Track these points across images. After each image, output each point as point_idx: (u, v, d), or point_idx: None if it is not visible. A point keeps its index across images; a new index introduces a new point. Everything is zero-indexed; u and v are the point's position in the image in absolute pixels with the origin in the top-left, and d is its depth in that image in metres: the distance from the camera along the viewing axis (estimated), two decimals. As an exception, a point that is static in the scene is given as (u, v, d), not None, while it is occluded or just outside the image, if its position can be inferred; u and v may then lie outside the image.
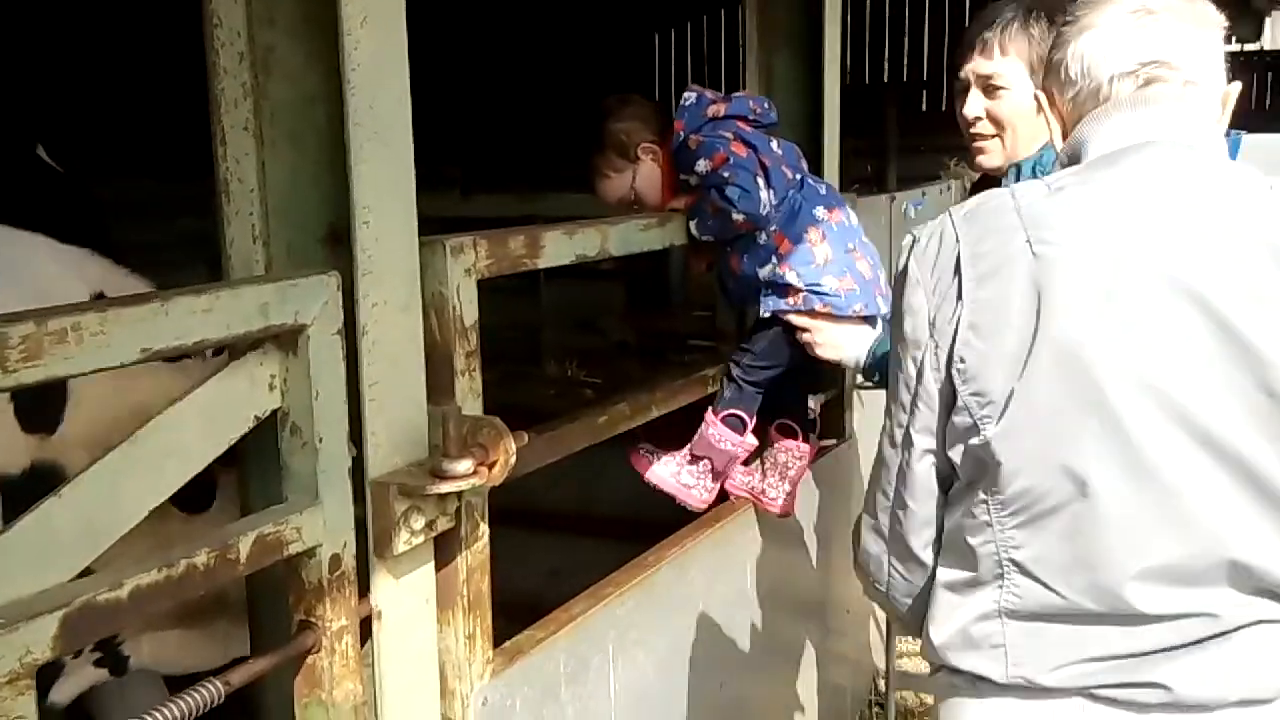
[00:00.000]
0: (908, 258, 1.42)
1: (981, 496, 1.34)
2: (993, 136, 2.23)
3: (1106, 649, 1.30)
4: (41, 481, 2.20)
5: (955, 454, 1.37)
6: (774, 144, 2.43)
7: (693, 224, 2.37)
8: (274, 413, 1.48)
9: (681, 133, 2.38)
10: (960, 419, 1.34)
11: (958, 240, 1.36)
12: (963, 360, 1.33)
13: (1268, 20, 10.68)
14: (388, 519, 1.54)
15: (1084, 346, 1.27)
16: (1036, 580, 1.32)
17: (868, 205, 3.55)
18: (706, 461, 2.48)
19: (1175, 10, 1.42)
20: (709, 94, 2.43)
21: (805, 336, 2.39)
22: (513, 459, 1.63)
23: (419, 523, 1.59)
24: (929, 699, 3.88)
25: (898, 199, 3.97)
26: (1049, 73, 1.50)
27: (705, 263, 2.52)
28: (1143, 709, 1.30)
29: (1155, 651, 1.29)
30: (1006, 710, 1.36)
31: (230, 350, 1.44)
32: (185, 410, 1.35)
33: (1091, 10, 1.45)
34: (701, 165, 2.33)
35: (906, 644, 4.02)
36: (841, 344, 2.38)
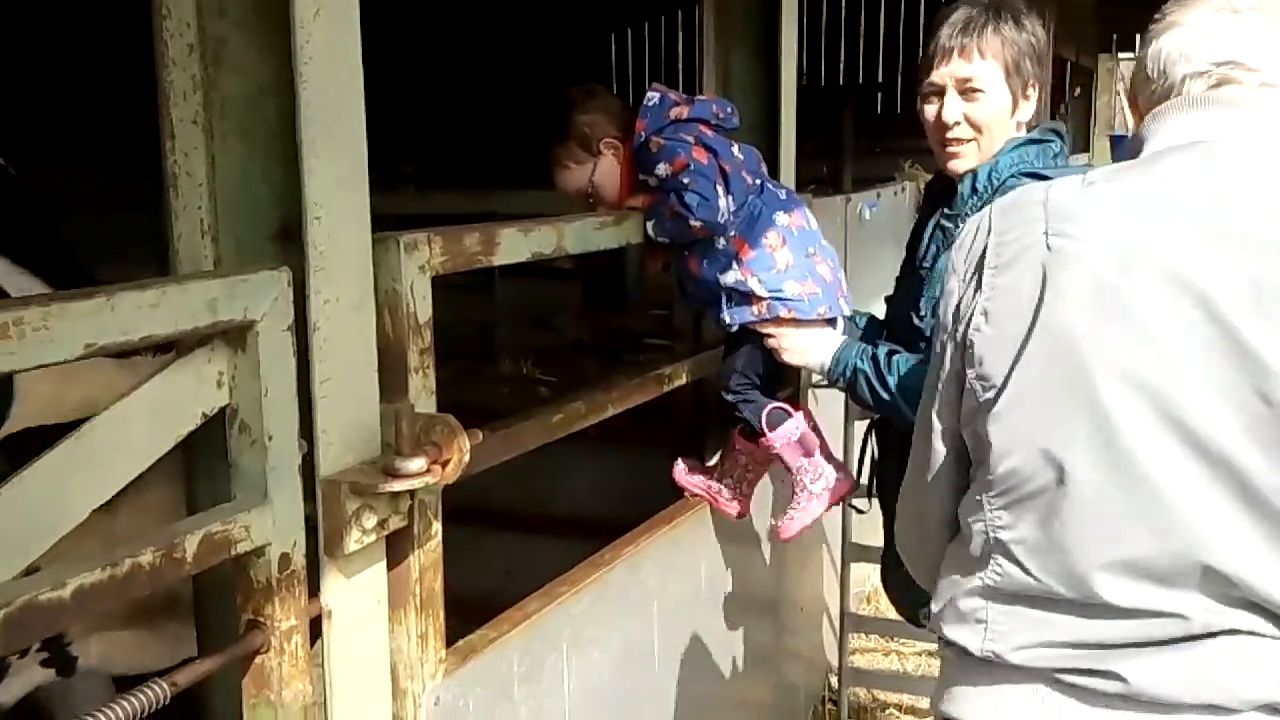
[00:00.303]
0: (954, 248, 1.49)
1: (978, 477, 1.40)
2: (969, 140, 2.24)
3: (1072, 635, 1.32)
4: None
5: (967, 435, 1.43)
6: (735, 149, 2.43)
7: (650, 225, 2.37)
8: (222, 410, 1.46)
9: (643, 133, 2.37)
10: (968, 402, 1.40)
11: (990, 231, 1.41)
12: (971, 344, 1.38)
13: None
14: (339, 518, 1.53)
15: (1078, 338, 1.29)
16: (1015, 561, 1.36)
17: (823, 206, 3.57)
18: (803, 460, 2.51)
19: (1262, 9, 1.40)
20: (672, 95, 2.42)
21: (772, 342, 2.40)
22: (466, 457, 1.62)
23: (370, 521, 1.58)
24: (882, 695, 3.90)
25: (853, 200, 4.00)
26: (1134, 71, 1.51)
27: (661, 263, 2.51)
28: (1099, 698, 1.32)
29: (1120, 645, 1.30)
30: (978, 682, 1.40)
31: (178, 346, 1.42)
32: (132, 407, 1.33)
33: (1179, 9, 1.45)
34: (662, 169, 2.32)
35: (860, 640, 4.05)
36: (807, 348, 2.39)
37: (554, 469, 3.20)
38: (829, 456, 2.55)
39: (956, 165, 2.26)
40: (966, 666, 1.42)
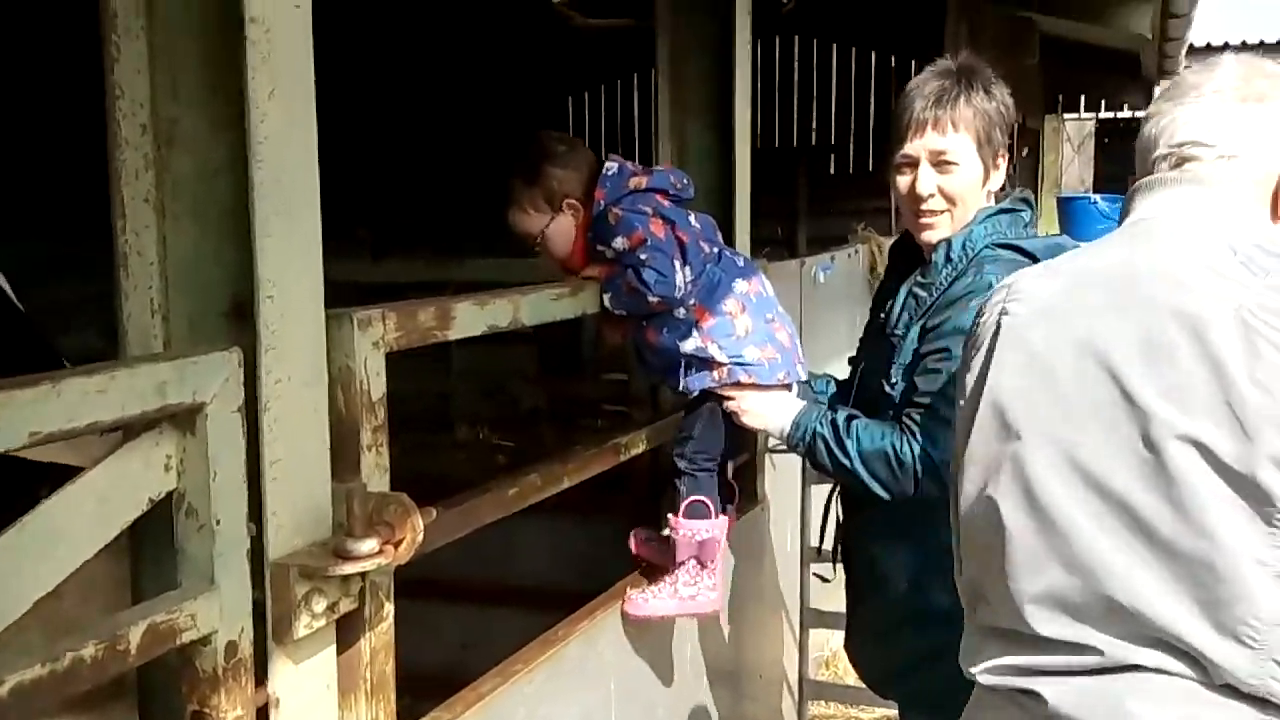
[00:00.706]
0: None
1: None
2: (943, 212, 2.27)
3: (1018, 661, 1.49)
4: None
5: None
6: (692, 218, 2.44)
7: (607, 297, 2.37)
8: (169, 494, 1.43)
9: (602, 202, 2.37)
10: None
11: (979, 313, 1.64)
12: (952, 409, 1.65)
13: (1156, 89, 11.15)
14: (288, 602, 1.49)
15: (1009, 402, 1.50)
16: (978, 593, 1.56)
17: (778, 270, 3.60)
18: (692, 562, 2.45)
19: (1224, 91, 1.55)
20: (630, 166, 2.43)
21: (731, 405, 2.40)
22: (420, 537, 1.60)
23: (320, 605, 1.55)
24: (841, 763, 3.88)
25: (807, 264, 4.04)
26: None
27: (620, 333, 2.50)
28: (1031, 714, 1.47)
29: (1046, 672, 1.45)
30: (975, 701, 1.62)
31: (125, 430, 1.39)
32: (76, 495, 1.30)
33: (1160, 100, 1.62)
34: (619, 242, 2.32)
35: (819, 707, 4.02)
36: (765, 412, 2.39)
37: (509, 537, 3.17)
38: (717, 575, 2.49)
39: (930, 236, 2.29)
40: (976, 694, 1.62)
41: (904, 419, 2.19)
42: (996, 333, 1.54)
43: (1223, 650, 1.33)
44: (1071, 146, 13.80)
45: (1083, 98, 11.82)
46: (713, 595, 2.49)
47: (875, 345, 2.40)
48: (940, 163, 2.25)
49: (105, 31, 1.53)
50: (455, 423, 4.70)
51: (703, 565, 2.46)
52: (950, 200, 2.26)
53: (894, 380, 2.26)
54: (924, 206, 2.27)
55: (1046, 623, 1.45)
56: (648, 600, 2.46)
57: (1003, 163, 2.30)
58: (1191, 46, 8.48)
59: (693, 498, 2.44)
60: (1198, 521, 1.34)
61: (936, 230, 2.28)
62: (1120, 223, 1.60)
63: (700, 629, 2.91)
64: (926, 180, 2.26)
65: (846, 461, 2.23)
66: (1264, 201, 1.53)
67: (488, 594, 3.45)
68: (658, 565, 2.59)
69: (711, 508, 2.46)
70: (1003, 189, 2.36)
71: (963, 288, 2.19)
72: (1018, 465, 1.47)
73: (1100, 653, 1.41)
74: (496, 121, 10.27)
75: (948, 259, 2.24)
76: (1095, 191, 13.45)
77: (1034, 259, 2.12)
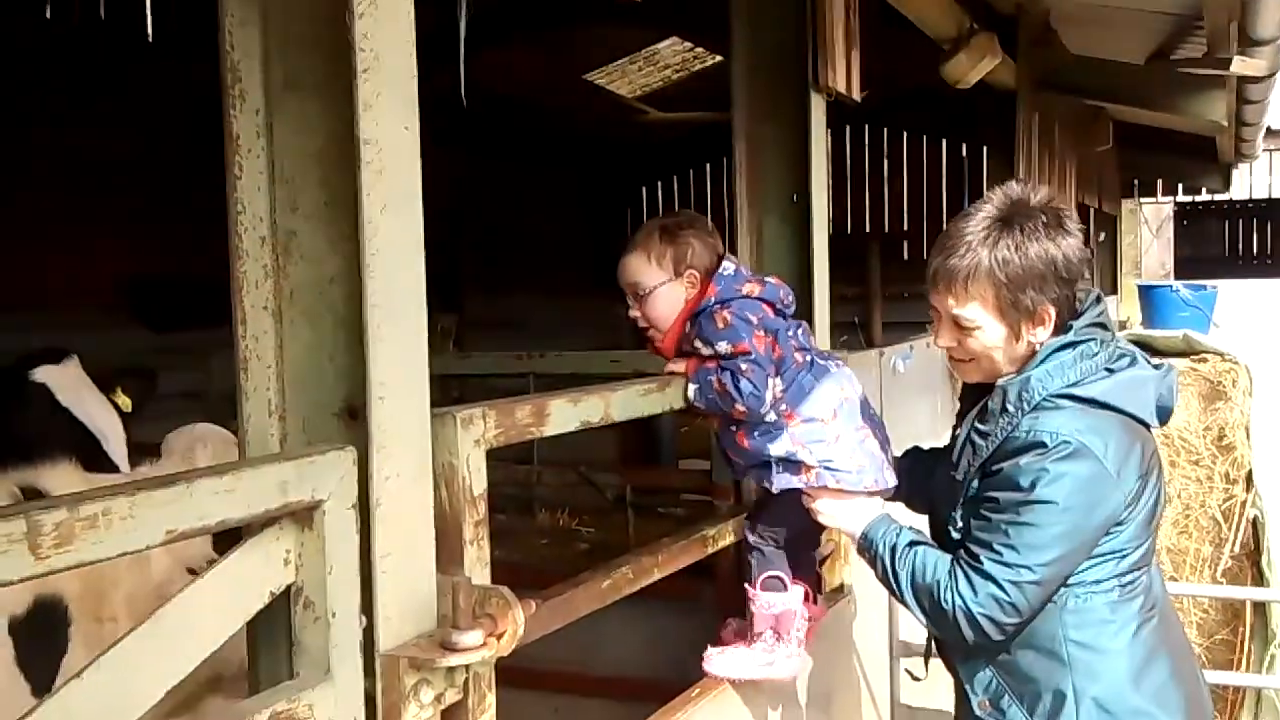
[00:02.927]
0: None
1: None
2: (970, 361, 2.22)
3: None
4: (46, 615, 2.22)
5: None
6: (791, 329, 2.48)
7: (693, 389, 2.41)
8: (287, 587, 1.50)
9: (712, 298, 2.40)
10: None
11: None
12: None
13: (1234, 171, 11.06)
14: (398, 693, 1.55)
15: None
16: None
17: (857, 360, 3.62)
18: (769, 632, 2.48)
19: None
20: (744, 270, 2.49)
21: (808, 501, 2.41)
22: (521, 629, 1.65)
23: (428, 696, 1.60)
24: None
25: (886, 354, 4.06)
26: None
27: (716, 420, 2.52)
28: None
29: None
30: None
31: (247, 527, 1.47)
32: (204, 590, 1.38)
33: None
34: (723, 346, 2.36)
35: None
36: (841, 515, 2.37)
37: (594, 624, 3.20)
38: (793, 644, 2.50)
39: (966, 378, 2.28)
40: None
41: (955, 563, 2.15)
42: None
43: None
44: (1150, 230, 13.68)
45: (1160, 181, 11.77)
46: (792, 663, 2.50)
47: (946, 475, 2.32)
48: (958, 325, 2.18)
49: (229, 152, 1.64)
50: (536, 508, 4.75)
51: (779, 636, 2.48)
52: (973, 356, 2.20)
53: (957, 524, 2.22)
54: (950, 355, 2.25)
55: None
56: (725, 658, 2.48)
57: (1049, 315, 2.14)
58: (1269, 129, 8.41)
59: (767, 573, 2.48)
60: None
61: (971, 375, 2.25)
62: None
63: (788, 721, 2.90)
64: (945, 336, 2.21)
65: (897, 587, 2.21)
66: None
67: (573, 682, 3.46)
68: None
69: (785, 581, 2.48)
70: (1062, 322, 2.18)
71: (1019, 443, 2.10)
72: None
73: None
74: (572, 209, 10.47)
75: (1003, 409, 2.14)
76: (1175, 274, 13.30)
77: (1099, 405, 2.09)
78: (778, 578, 2.48)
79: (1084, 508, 2.05)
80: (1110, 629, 2.13)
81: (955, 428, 2.39)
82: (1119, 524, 2.10)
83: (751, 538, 2.51)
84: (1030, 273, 2.09)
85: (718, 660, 2.48)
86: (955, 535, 2.20)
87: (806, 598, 2.57)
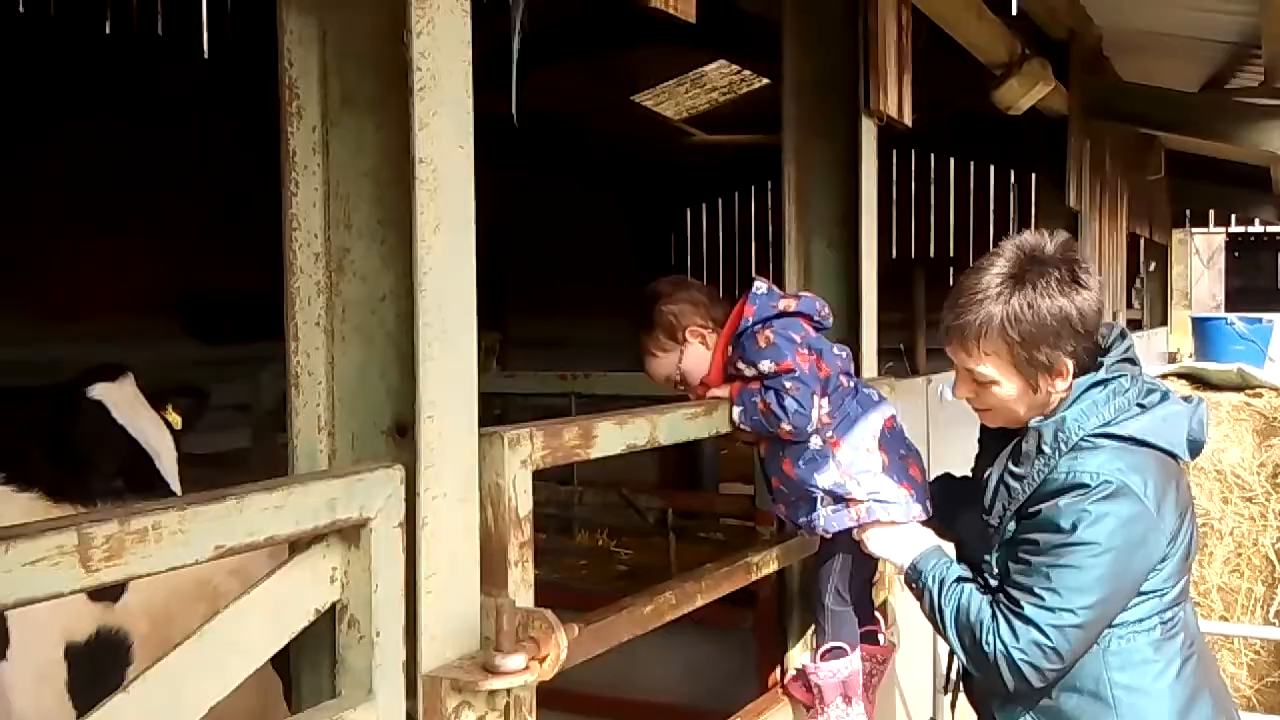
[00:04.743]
0: None
1: None
2: (989, 410, 2.18)
3: None
4: (107, 647, 2.23)
5: None
6: (835, 350, 2.46)
7: (737, 411, 2.39)
8: (332, 605, 1.50)
9: (750, 319, 2.40)
10: None
11: None
12: None
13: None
14: (439, 715, 1.54)
15: None
16: None
17: (904, 388, 3.58)
18: (839, 700, 2.46)
19: None
20: (777, 289, 2.48)
21: (858, 533, 2.37)
22: (564, 654, 1.63)
23: (469, 718, 1.58)
24: None
25: (933, 381, 4.02)
26: None
27: (762, 444, 2.52)
28: None
29: None
30: None
31: (294, 544, 1.47)
32: (249, 606, 1.38)
33: None
34: (766, 365, 2.34)
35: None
36: (890, 546, 2.33)
37: (631, 647, 3.18)
38: (861, 701, 2.48)
39: (990, 424, 2.24)
40: None
41: (994, 606, 2.10)
42: None
43: None
44: (1201, 260, 13.51)
45: (1211, 211, 11.62)
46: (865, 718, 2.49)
47: (976, 518, 2.22)
48: (974, 379, 2.13)
49: (285, 168, 1.65)
50: (576, 528, 4.74)
51: (849, 700, 2.45)
52: (991, 407, 2.16)
53: (994, 569, 2.16)
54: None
55: None
56: None
57: (1067, 368, 2.08)
58: (1325, 160, 8.27)
59: (830, 644, 2.46)
60: None
61: (994, 422, 2.21)
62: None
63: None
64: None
65: (941, 623, 2.17)
66: None
67: (611, 707, 3.44)
68: (804, 702, 2.57)
69: (849, 647, 2.46)
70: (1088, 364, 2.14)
71: (1058, 484, 2.05)
72: None
73: None
74: (619, 230, 10.50)
75: (1039, 450, 2.08)
76: (1226, 306, 13.10)
77: (1137, 442, 2.05)
78: (840, 647, 2.46)
79: (1126, 548, 2.01)
80: (1154, 669, 2.09)
81: (975, 469, 2.34)
82: (1161, 560, 2.07)
83: (828, 599, 2.47)
84: (1044, 330, 2.04)
85: None
86: (992, 581, 2.15)
87: (867, 639, 2.54)
